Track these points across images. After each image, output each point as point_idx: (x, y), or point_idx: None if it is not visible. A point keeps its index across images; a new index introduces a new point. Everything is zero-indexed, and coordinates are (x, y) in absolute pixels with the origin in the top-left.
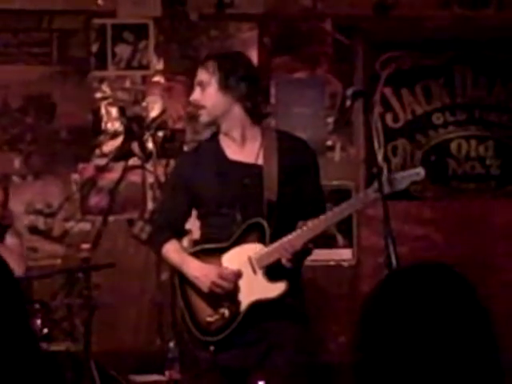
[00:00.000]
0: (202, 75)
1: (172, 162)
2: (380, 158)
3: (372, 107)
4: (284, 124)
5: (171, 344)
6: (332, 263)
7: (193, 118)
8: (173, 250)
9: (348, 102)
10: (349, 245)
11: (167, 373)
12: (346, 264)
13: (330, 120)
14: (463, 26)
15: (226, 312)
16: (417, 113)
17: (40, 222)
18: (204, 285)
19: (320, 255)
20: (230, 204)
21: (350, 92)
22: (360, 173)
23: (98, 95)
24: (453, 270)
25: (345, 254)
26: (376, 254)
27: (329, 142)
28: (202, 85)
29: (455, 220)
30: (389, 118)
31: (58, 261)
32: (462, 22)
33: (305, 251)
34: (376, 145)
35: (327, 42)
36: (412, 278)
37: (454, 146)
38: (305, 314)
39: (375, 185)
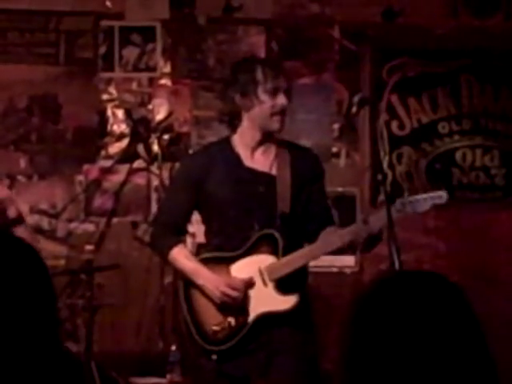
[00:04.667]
0: (283, 82)
1: (177, 165)
2: (385, 165)
3: (378, 114)
4: (289, 130)
5: (173, 347)
6: (335, 270)
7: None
8: (183, 257)
9: (354, 109)
10: (352, 252)
11: (168, 376)
12: (348, 271)
13: (336, 126)
14: (470, 34)
15: (233, 321)
16: (422, 121)
17: (44, 223)
18: (215, 295)
19: (323, 262)
20: (244, 211)
21: (356, 99)
22: (365, 179)
23: (105, 97)
24: (442, 276)
25: (348, 261)
26: (379, 261)
27: (334, 149)
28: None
29: (459, 229)
30: (394, 125)
31: (62, 261)
32: (469, 31)
33: None
34: (381, 152)
35: (334, 48)
36: (400, 285)
37: (459, 155)
38: (310, 322)
39: (397, 205)
